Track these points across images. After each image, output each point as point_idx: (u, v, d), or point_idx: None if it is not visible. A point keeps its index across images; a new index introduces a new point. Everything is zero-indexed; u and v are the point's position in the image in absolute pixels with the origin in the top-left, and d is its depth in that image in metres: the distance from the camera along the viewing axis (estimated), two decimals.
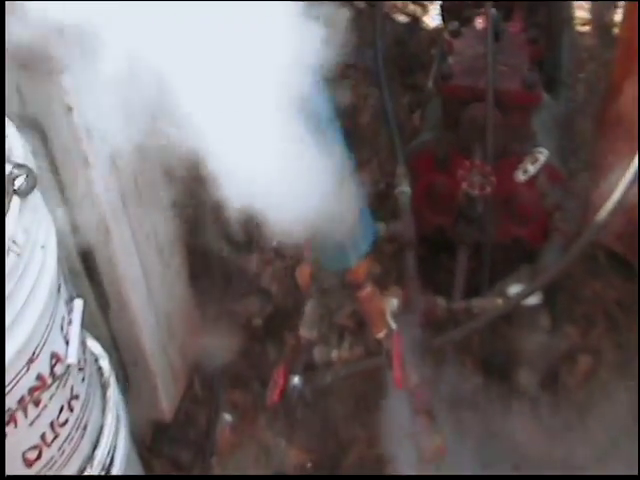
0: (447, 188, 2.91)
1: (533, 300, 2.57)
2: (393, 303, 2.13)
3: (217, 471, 2.89)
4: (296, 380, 2.38)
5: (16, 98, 2.02)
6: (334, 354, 2.44)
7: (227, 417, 2.93)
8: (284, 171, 1.63)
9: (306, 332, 2.37)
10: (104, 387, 2.19)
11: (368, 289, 2.10)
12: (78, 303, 1.89)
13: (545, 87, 2.96)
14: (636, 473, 2.49)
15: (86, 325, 2.23)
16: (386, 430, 2.52)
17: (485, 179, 2.66)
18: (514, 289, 2.61)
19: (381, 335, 2.14)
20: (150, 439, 2.90)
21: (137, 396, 2.79)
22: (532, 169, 2.69)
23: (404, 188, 2.73)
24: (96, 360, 2.23)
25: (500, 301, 2.57)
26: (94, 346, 2.27)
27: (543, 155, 2.70)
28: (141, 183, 2.44)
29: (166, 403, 2.84)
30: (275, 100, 1.57)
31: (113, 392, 2.20)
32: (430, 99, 3.21)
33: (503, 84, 2.72)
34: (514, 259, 2.78)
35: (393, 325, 2.11)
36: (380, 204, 2.96)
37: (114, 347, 2.60)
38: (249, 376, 3.02)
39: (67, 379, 1.84)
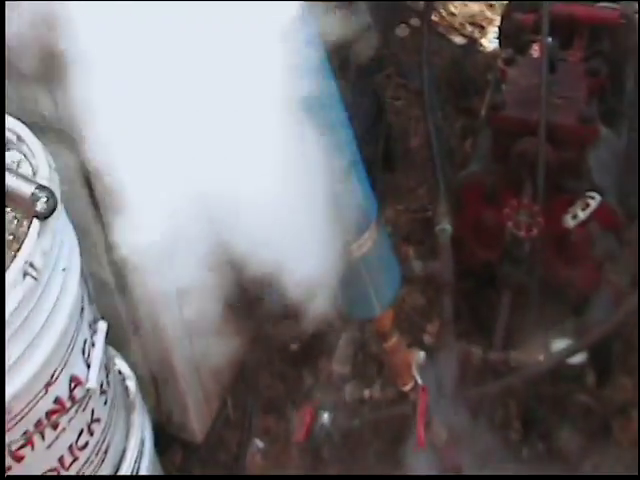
0: (495, 222, 2.81)
1: (578, 359, 2.43)
2: (420, 356, 2.03)
3: None
4: (325, 418, 2.31)
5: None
6: (366, 393, 2.35)
7: (258, 442, 2.88)
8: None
9: (339, 367, 2.31)
10: (129, 409, 2.16)
11: (394, 339, 2.01)
12: (102, 326, 1.87)
13: (605, 120, 2.84)
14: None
15: (115, 343, 2.22)
16: None
17: (532, 220, 2.54)
18: (558, 344, 2.46)
19: (407, 388, 2.05)
20: (180, 460, 2.86)
21: (168, 416, 2.77)
22: (582, 215, 2.55)
23: (445, 226, 2.63)
24: (123, 380, 2.21)
25: (541, 357, 2.44)
26: (122, 366, 2.25)
27: (595, 201, 2.56)
28: None
29: (197, 424, 2.81)
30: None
31: (139, 414, 2.17)
32: (483, 127, 3.12)
33: (557, 118, 2.62)
34: (561, 308, 2.64)
35: (419, 379, 2.01)
36: (421, 235, 2.86)
37: (145, 366, 2.58)
38: (283, 402, 2.97)
39: (87, 402, 1.82)
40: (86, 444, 1.85)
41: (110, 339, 2.22)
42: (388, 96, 3.91)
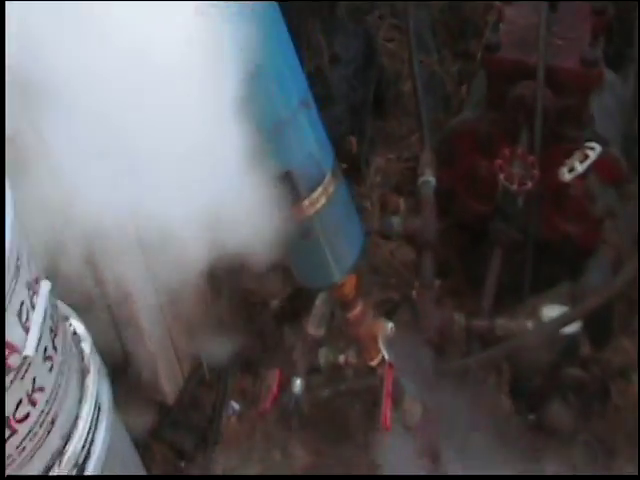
0: (489, 174, 2.62)
1: (571, 328, 2.22)
2: (387, 327, 1.80)
3: (220, 460, 2.70)
4: (297, 385, 2.12)
5: None
6: (341, 358, 2.14)
7: (234, 404, 2.73)
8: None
9: (313, 329, 2.11)
10: (83, 373, 1.99)
11: (358, 309, 1.79)
12: (44, 286, 1.69)
13: (611, 64, 2.63)
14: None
15: (78, 303, 2.06)
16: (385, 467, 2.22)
17: (527, 172, 2.33)
18: (550, 311, 2.25)
19: (374, 363, 1.83)
20: (151, 423, 2.72)
21: (137, 377, 2.62)
22: (580, 168, 2.34)
23: (428, 178, 2.41)
24: (78, 343, 2.04)
25: (530, 324, 2.23)
26: (77, 326, 2.08)
27: (594, 152, 2.35)
28: None
29: (168, 385, 2.66)
30: None
31: (94, 379, 2.00)
32: (478, 71, 2.91)
33: (557, 60, 2.42)
34: (556, 270, 2.43)
35: (386, 354, 1.77)
36: (413, 186, 2.66)
37: (111, 326, 2.42)
38: (262, 362, 2.81)
39: (27, 370, 1.64)
40: (27, 415, 1.68)
41: (72, 299, 2.03)
42: (380, 37, 3.68)
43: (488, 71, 2.60)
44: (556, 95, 2.43)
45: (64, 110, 1.27)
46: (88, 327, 2.09)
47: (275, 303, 2.87)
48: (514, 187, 2.31)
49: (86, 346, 2.03)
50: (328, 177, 1.54)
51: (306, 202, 1.52)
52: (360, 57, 3.45)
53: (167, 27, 1.23)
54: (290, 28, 3.33)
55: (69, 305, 2.05)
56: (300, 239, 1.54)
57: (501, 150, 2.40)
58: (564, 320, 2.25)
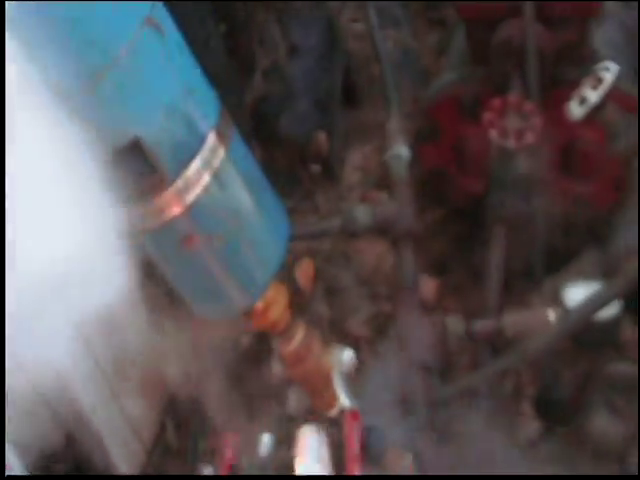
0: (481, 143, 2.11)
1: (608, 310, 1.62)
2: (342, 357, 1.12)
3: None
4: (265, 443, 1.58)
5: None
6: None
7: (206, 470, 2.20)
8: None
9: (278, 368, 1.54)
10: None
11: (297, 339, 1.15)
12: None
13: None
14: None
15: None
16: None
17: (524, 122, 1.80)
18: (574, 293, 1.67)
19: (332, 414, 1.21)
20: None
21: (86, 462, 2.12)
22: (593, 96, 1.81)
23: (399, 150, 1.88)
24: None
25: (551, 314, 1.66)
26: None
27: (611, 72, 1.82)
28: None
29: (125, 464, 2.14)
30: None
31: None
32: (453, 31, 2.42)
33: None
34: (573, 243, 1.86)
35: (344, 400, 1.10)
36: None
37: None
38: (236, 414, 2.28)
39: None
40: None
41: None
42: (344, 19, 3.21)
43: (466, 21, 2.12)
44: (549, 30, 1.93)
45: None
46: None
47: (245, 342, 2.35)
48: (510, 144, 1.77)
49: None
50: (210, 141, 0.98)
51: (175, 188, 0.96)
52: (322, 44, 3.02)
53: None
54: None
55: None
56: (176, 249, 1.00)
57: (490, 103, 1.87)
58: (597, 301, 1.64)
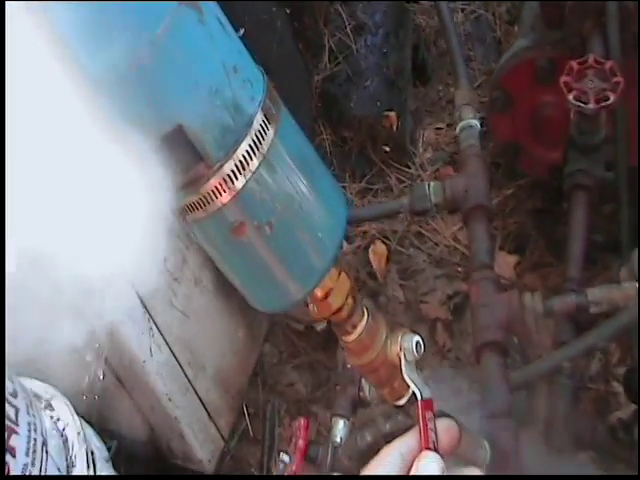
0: (558, 109, 2.01)
1: None
2: (410, 344, 1.00)
3: None
4: (340, 429, 1.53)
5: None
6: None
7: (284, 458, 2.16)
8: None
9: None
10: (69, 468, 1.51)
11: (359, 328, 1.00)
12: None
13: None
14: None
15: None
16: None
17: (605, 82, 1.69)
18: None
19: (401, 402, 1.10)
20: None
21: (167, 445, 2.12)
22: None
23: (470, 121, 1.78)
24: (63, 430, 1.55)
25: (635, 288, 1.48)
26: (61, 409, 1.58)
27: None
28: None
29: (202, 451, 2.13)
30: None
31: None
32: None
33: None
34: None
35: (416, 388, 0.96)
36: None
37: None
38: (313, 400, 2.24)
39: None
40: None
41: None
42: None
43: None
44: None
45: None
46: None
47: (321, 327, 2.29)
48: (590, 106, 1.65)
49: (71, 434, 1.54)
50: (258, 122, 0.92)
51: (222, 174, 0.90)
52: (389, 21, 2.93)
53: None
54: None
55: None
56: (226, 239, 0.94)
57: (567, 65, 1.75)
58: None
